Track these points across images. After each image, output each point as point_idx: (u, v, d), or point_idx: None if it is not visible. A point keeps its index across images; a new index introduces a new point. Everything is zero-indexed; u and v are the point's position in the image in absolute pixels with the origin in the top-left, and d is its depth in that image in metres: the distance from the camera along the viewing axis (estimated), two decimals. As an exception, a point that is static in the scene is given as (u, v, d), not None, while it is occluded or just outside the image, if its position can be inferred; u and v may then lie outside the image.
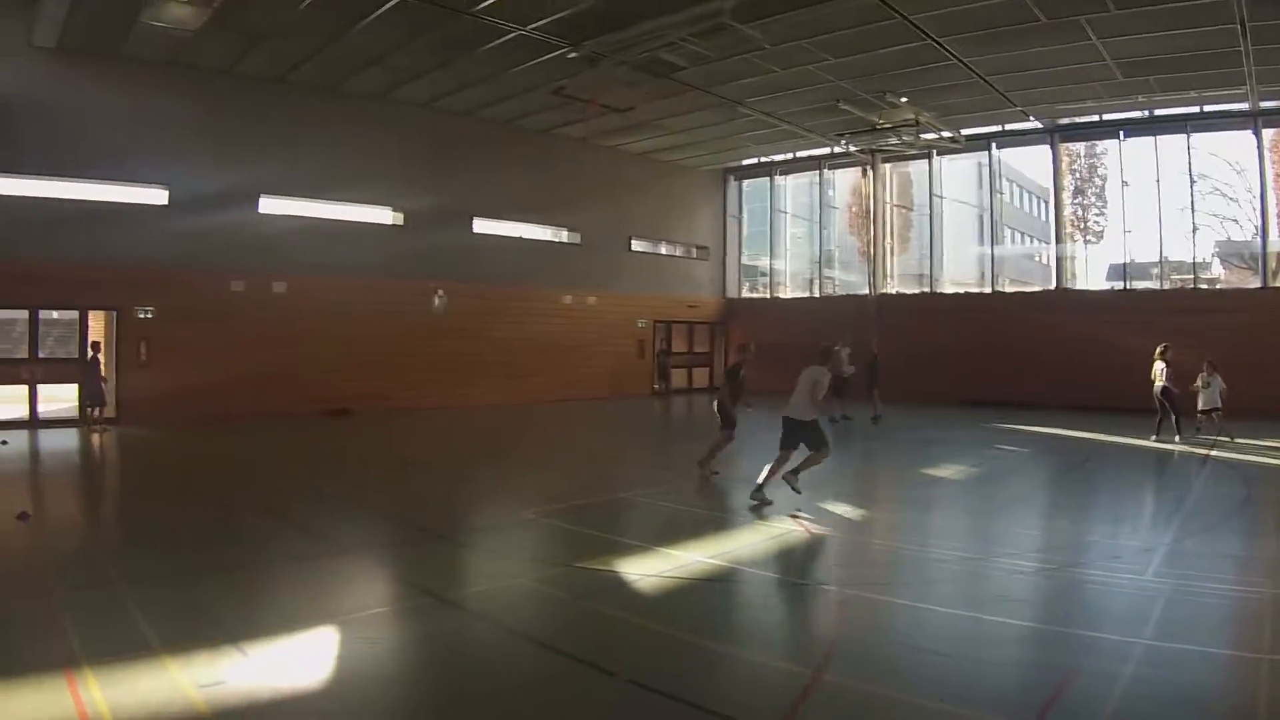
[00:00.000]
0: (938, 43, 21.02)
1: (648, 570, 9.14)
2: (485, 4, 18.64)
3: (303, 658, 6.49)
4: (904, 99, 25.75)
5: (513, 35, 20.30)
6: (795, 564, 9.95)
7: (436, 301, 27.31)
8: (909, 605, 8.39)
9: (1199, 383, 20.07)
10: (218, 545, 9.94)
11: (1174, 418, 19.66)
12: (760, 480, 12.97)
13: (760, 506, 12.61)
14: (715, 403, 16.17)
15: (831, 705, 6.02)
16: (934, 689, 6.20)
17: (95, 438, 19.53)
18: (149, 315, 22.17)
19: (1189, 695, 6.15)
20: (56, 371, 21.84)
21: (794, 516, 11.95)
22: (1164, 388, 19.92)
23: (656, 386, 34.90)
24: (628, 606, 8.10)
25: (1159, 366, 20.04)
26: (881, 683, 6.35)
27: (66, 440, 19.59)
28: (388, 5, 18.49)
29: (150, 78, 21.77)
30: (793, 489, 12.80)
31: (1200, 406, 20.05)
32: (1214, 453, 18.27)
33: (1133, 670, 6.49)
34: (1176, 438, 19.48)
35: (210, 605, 7.60)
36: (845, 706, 6.01)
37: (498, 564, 9.55)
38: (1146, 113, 28.36)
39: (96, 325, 22.38)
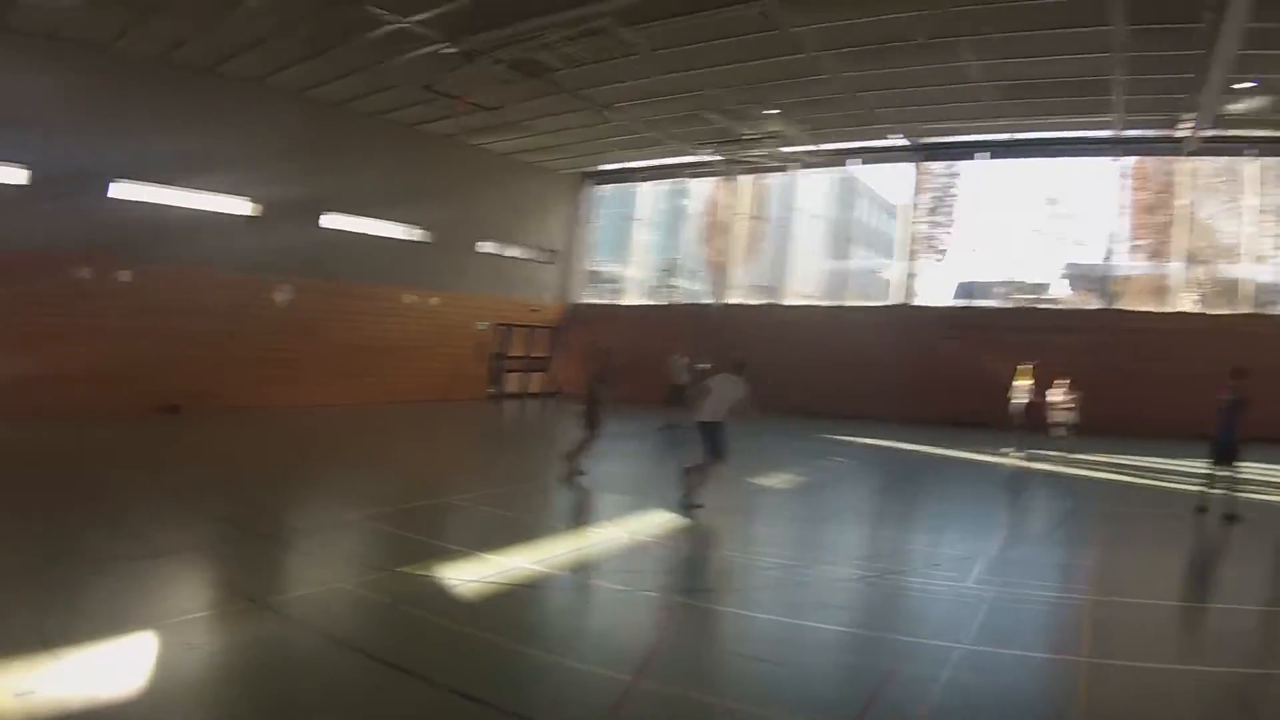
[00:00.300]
0: (814, 58, 21.39)
1: (470, 576, 9.28)
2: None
3: (119, 664, 6.41)
4: (773, 111, 26.20)
5: (393, 27, 20.02)
6: (618, 570, 10.14)
7: (280, 297, 26.76)
8: (731, 612, 8.79)
9: (1059, 399, 20.84)
10: (37, 544, 9.68)
11: (1028, 434, 20.40)
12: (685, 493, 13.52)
13: (693, 509, 13.18)
14: (585, 405, 16.41)
15: (649, 711, 6.26)
16: (752, 694, 6.51)
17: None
18: (-11, 300, 21.22)
19: (1007, 697, 6.61)
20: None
21: (618, 523, 12.23)
22: (1029, 403, 20.65)
23: (491, 391, 34.73)
24: (449, 612, 8.22)
25: (1025, 384, 20.86)
26: (699, 688, 6.67)
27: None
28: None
29: (27, 51, 20.85)
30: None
31: (1056, 421, 20.86)
32: (1048, 467, 19.16)
33: (950, 674, 6.90)
34: (1022, 453, 20.19)
35: (25, 610, 7.46)
36: (663, 711, 6.27)
37: (320, 568, 9.57)
38: (1008, 135, 29.28)
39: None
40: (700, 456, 13.74)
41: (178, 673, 6.38)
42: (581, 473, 15.81)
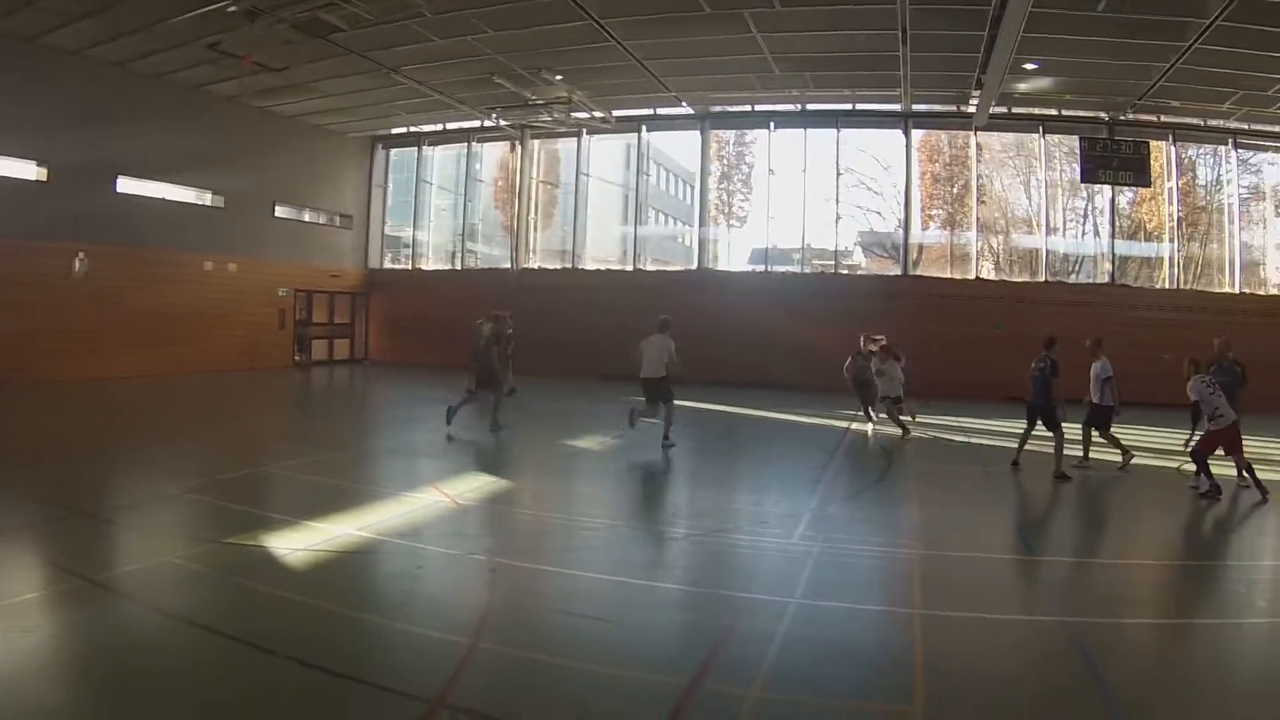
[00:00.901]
0: (599, 24, 21.62)
1: (297, 544, 9.23)
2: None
3: (-44, 649, 6.21)
4: (559, 77, 26.36)
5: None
6: (443, 534, 10.11)
7: (77, 266, 25.64)
8: (559, 572, 8.92)
9: (874, 368, 20.07)
10: None
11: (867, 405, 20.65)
12: (665, 437, 15.87)
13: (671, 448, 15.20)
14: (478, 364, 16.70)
15: (491, 672, 6.34)
16: (593, 653, 6.65)
17: None
18: None
19: (846, 649, 6.86)
20: None
21: (437, 487, 12.30)
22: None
23: (297, 358, 34.16)
24: (280, 582, 8.17)
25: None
26: (538, 649, 6.72)
27: None
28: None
29: None
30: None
31: (881, 394, 19.90)
32: (863, 428, 19.99)
33: (787, 628, 7.16)
34: (870, 425, 20.62)
35: None
36: (506, 673, 6.36)
37: (145, 542, 9.35)
38: (799, 106, 30.09)
39: None
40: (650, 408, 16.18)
41: (16, 655, 6.20)
42: (501, 427, 17.00)
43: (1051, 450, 14.49)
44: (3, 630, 6.61)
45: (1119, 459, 15.27)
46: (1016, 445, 15.34)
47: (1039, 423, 14.90)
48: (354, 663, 6.34)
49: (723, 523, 11.16)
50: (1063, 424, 14.62)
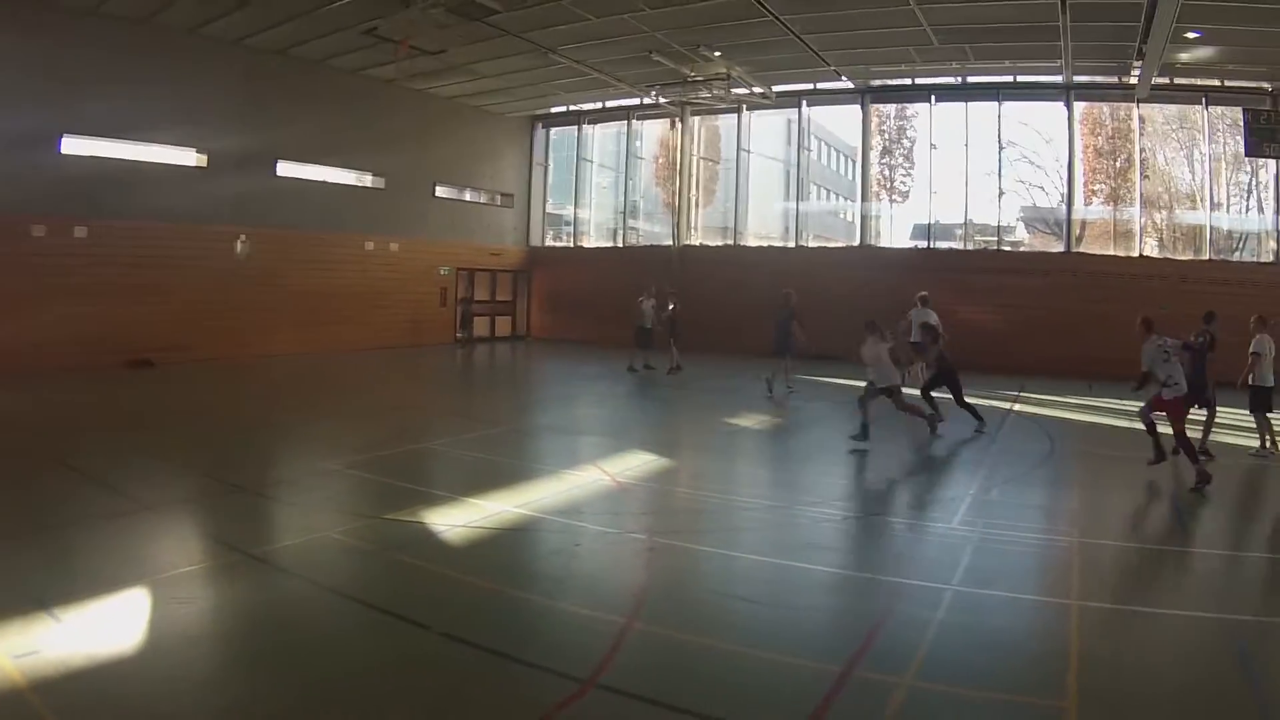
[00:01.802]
0: (757, -1, 21.27)
1: (456, 521, 9.23)
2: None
3: (118, 621, 6.33)
4: (717, 53, 25.98)
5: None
6: (601, 513, 9.99)
7: (239, 248, 26.32)
8: (717, 553, 8.72)
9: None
10: (20, 506, 9.51)
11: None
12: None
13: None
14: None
15: (645, 652, 6.22)
16: (747, 636, 6.48)
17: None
18: (-57, 261, 20.66)
19: (1001, 638, 6.61)
20: None
21: (597, 465, 12.19)
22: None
23: (459, 335, 34.54)
24: (437, 558, 8.18)
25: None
26: (693, 630, 6.59)
27: None
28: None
29: None
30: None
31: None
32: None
33: (943, 615, 6.89)
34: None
35: (18, 570, 7.34)
36: (659, 653, 6.23)
37: (305, 517, 9.45)
38: (959, 79, 29.27)
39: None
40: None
41: (175, 627, 6.29)
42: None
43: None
44: (161, 601, 6.72)
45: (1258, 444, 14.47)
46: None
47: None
48: (508, 639, 6.29)
49: (883, 505, 10.85)
50: (1214, 402, 13.92)
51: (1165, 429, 12.40)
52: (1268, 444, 14.43)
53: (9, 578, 7.17)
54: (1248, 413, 14.57)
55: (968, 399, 16.03)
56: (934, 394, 16.06)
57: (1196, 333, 14.15)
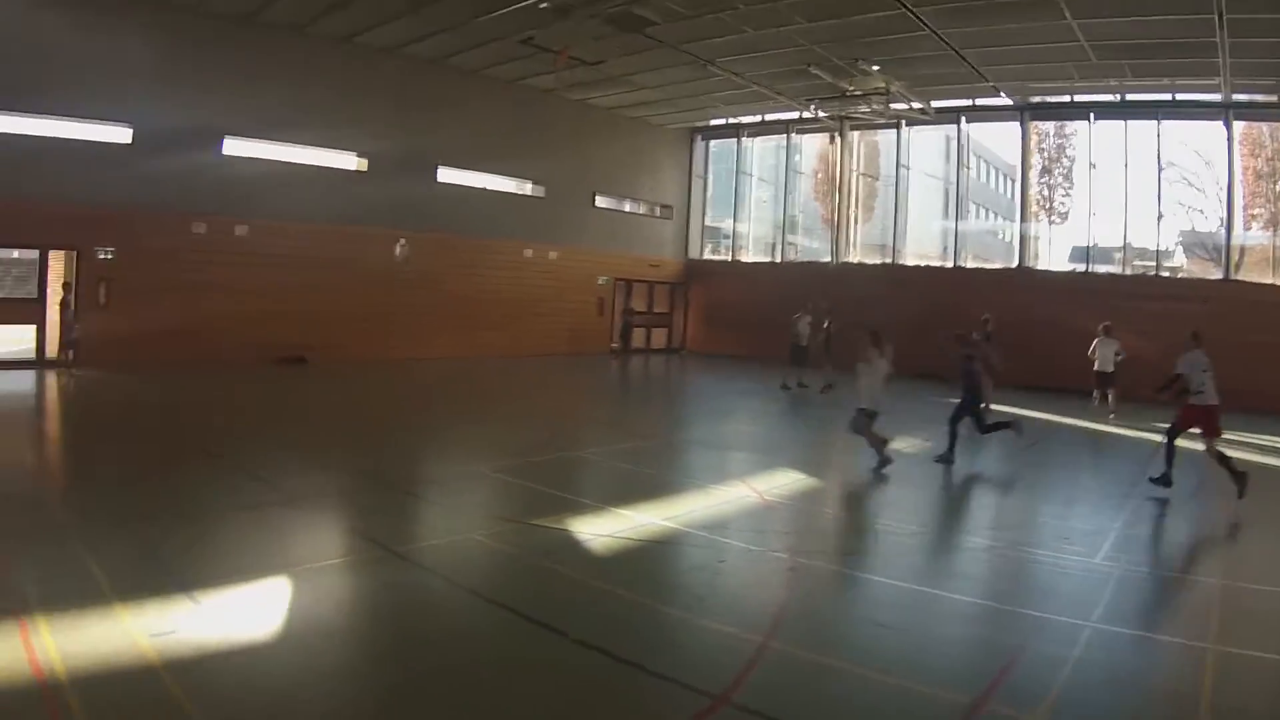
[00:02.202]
0: (913, 12, 20.87)
1: (600, 530, 9.19)
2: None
3: (255, 609, 6.43)
4: (876, 67, 25.69)
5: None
6: (747, 530, 9.83)
7: (399, 251, 26.92)
8: (857, 576, 8.59)
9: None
10: (171, 492, 9.81)
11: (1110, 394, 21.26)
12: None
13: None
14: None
15: (779, 672, 6.08)
16: (880, 660, 6.27)
17: (62, 380, 19.11)
18: (109, 256, 21.48)
19: (1135, 679, 6.31)
20: (15, 311, 21.96)
21: (746, 482, 12.06)
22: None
23: (615, 345, 34.74)
24: (580, 566, 8.13)
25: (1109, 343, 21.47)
26: (829, 652, 6.45)
27: (28, 382, 19.09)
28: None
29: (114, 9, 21.16)
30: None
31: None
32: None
33: (1080, 653, 6.58)
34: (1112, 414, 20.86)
35: (163, 553, 7.53)
36: (793, 674, 6.08)
37: (451, 518, 9.53)
38: (1118, 96, 28.43)
39: (57, 266, 21.75)
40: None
41: (312, 618, 6.40)
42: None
43: None
44: (300, 592, 6.82)
45: None
46: None
47: None
48: (643, 650, 6.20)
49: (1026, 536, 10.46)
50: None
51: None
52: None
53: (152, 559, 7.37)
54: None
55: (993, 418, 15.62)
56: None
57: None
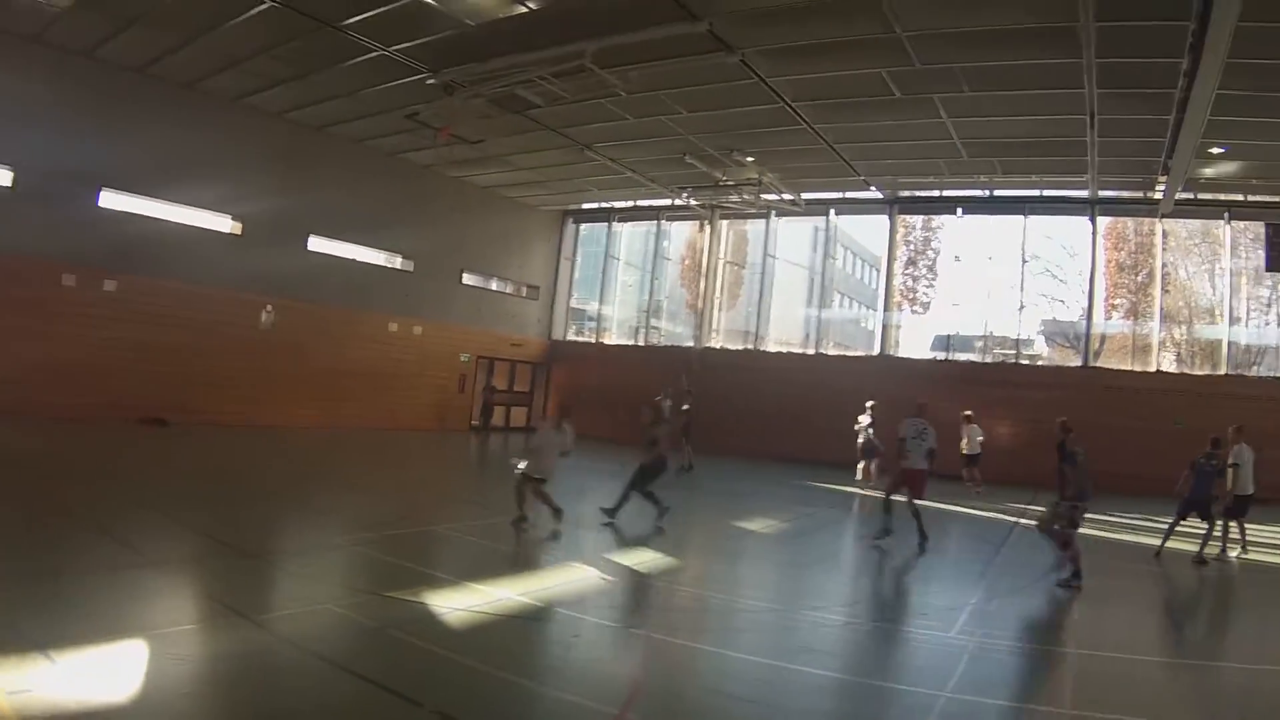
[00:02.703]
0: (791, 107, 21.58)
1: (457, 604, 9.20)
2: (353, 20, 18.48)
3: (111, 669, 6.35)
4: (750, 158, 26.47)
5: (375, 54, 20.18)
6: (604, 606, 10.04)
7: (264, 317, 26.69)
8: (715, 652, 8.71)
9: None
10: (25, 551, 9.56)
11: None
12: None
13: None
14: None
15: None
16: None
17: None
18: (-31, 302, 20.99)
19: None
20: None
21: (604, 560, 12.20)
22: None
23: (475, 423, 34.59)
24: (436, 638, 8.14)
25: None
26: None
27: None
28: (259, 8, 18.17)
29: (12, 52, 20.94)
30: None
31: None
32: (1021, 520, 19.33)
33: None
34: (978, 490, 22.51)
35: (17, 612, 7.37)
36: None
37: (308, 588, 9.44)
38: (987, 192, 29.61)
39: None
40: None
41: (168, 681, 6.32)
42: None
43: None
44: (157, 655, 6.75)
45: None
46: (1161, 539, 15.43)
47: (1190, 517, 15.16)
48: (499, 722, 6.21)
49: (883, 612, 10.83)
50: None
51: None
52: (1229, 551, 15.45)
53: (7, 618, 7.19)
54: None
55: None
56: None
57: (1206, 455, 15.09)
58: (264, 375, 26.76)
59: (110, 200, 23.26)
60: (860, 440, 24.11)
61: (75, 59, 21.85)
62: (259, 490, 16.14)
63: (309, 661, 7.23)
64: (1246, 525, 15.49)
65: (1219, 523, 15.32)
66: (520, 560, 12.11)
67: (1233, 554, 15.42)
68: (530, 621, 9.11)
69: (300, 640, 7.66)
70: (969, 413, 24.01)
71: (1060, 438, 15.14)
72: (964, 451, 23.54)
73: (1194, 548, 15.21)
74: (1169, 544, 15.23)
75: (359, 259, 30.31)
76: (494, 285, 36.26)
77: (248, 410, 26.15)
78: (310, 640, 7.70)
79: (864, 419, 24.12)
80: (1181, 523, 15.25)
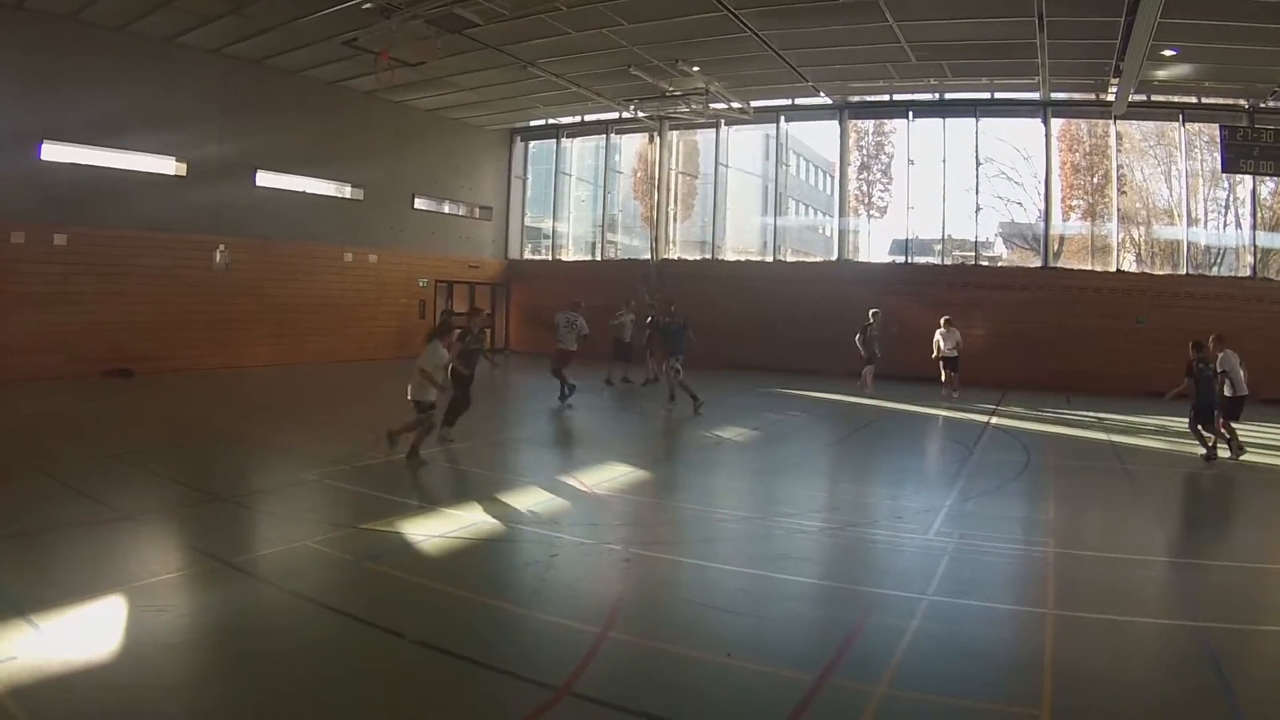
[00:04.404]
0: (734, 14, 21.32)
1: (432, 531, 9.31)
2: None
3: (95, 628, 6.34)
4: (696, 68, 26.18)
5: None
6: (579, 524, 10.05)
7: (218, 258, 26.34)
8: (694, 564, 8.78)
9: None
10: (-2, 512, 9.50)
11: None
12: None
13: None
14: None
15: (619, 661, 6.27)
16: (721, 645, 6.49)
17: None
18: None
19: (976, 648, 6.66)
20: None
21: (575, 477, 12.28)
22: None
23: (440, 347, 34.39)
24: (414, 568, 8.21)
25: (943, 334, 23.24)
26: (669, 639, 6.67)
27: None
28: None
29: None
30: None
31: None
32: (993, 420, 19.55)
33: (918, 624, 6.95)
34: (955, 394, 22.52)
35: (-5, 578, 7.34)
36: (633, 662, 6.29)
37: (282, 527, 9.45)
38: (937, 95, 29.57)
39: None
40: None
41: (152, 634, 6.30)
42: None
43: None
44: (139, 609, 6.73)
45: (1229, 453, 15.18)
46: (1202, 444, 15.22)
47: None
48: (482, 648, 6.32)
49: (859, 517, 10.91)
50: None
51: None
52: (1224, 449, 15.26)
53: (-11, 584, 7.16)
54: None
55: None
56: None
57: (1203, 360, 14.98)
58: (224, 317, 26.50)
59: (52, 153, 22.66)
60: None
61: (3, 11, 21.17)
62: (228, 433, 16.02)
63: (289, 601, 7.27)
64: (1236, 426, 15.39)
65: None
66: (492, 484, 12.10)
67: (1224, 454, 15.30)
68: (507, 544, 9.19)
69: (279, 580, 7.69)
70: (947, 317, 24.08)
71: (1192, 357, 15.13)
72: (939, 354, 23.78)
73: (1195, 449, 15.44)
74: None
75: (308, 191, 29.91)
76: (446, 209, 35.92)
77: (211, 353, 25.98)
78: (289, 579, 7.73)
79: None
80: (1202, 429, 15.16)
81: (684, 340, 19.64)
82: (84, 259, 22.97)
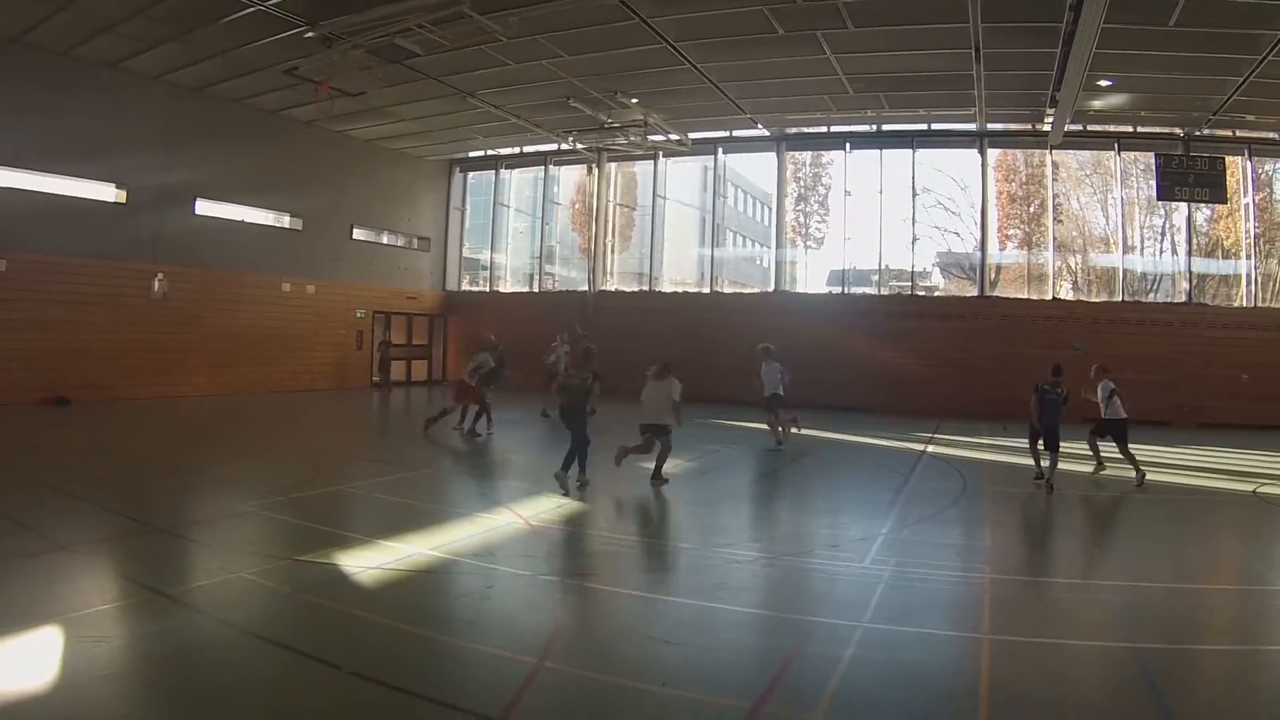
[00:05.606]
0: (673, 46, 21.68)
1: (368, 563, 9.29)
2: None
3: (29, 659, 6.33)
4: (634, 100, 26.46)
5: (252, 9, 19.81)
6: (515, 555, 10.07)
7: (156, 286, 26.21)
8: (630, 594, 8.88)
9: None
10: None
11: None
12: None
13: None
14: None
15: (555, 692, 6.29)
16: (657, 675, 6.56)
17: None
18: None
19: (912, 674, 6.75)
20: None
21: (510, 509, 12.32)
22: None
23: (376, 379, 34.43)
24: (350, 599, 8.21)
25: None
26: (605, 669, 6.71)
27: None
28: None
29: None
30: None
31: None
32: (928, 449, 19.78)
33: (854, 652, 7.04)
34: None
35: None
36: (569, 693, 6.30)
37: (218, 558, 9.39)
38: (874, 127, 29.98)
39: None
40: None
41: (90, 666, 6.27)
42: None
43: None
44: (75, 640, 6.69)
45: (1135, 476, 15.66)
46: (1035, 463, 15.81)
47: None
48: (419, 679, 6.34)
49: (795, 546, 11.05)
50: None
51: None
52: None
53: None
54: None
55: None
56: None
57: (1051, 385, 15.51)
58: (161, 346, 26.40)
59: (-6, 178, 22.52)
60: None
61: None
62: (163, 464, 15.88)
63: (225, 632, 7.24)
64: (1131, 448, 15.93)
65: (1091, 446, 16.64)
66: (427, 515, 12.09)
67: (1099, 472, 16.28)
68: (443, 575, 9.20)
69: (215, 611, 7.67)
70: (766, 345, 21.14)
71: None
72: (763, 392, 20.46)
73: (1087, 469, 16.39)
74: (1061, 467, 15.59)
75: (247, 220, 29.90)
76: (385, 239, 35.96)
77: (148, 383, 25.83)
78: (225, 610, 7.72)
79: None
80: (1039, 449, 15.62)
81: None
82: (22, 286, 22.84)
